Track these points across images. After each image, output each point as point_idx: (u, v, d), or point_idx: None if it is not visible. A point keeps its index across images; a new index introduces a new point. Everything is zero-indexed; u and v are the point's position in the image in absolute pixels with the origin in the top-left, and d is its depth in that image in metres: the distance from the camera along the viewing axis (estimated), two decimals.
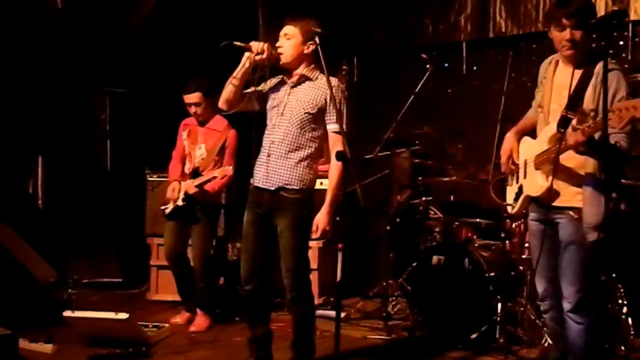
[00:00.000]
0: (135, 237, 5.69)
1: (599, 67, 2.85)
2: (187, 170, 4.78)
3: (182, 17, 5.96)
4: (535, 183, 3.10)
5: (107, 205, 6.11)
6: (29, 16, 5.54)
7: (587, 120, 2.87)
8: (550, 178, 3.00)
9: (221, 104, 3.54)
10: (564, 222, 3.01)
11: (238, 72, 3.44)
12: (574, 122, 2.90)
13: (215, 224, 4.85)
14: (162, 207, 4.79)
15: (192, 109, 4.72)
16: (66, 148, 5.96)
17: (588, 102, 2.89)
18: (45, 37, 5.70)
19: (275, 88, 3.56)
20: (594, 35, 2.97)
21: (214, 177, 4.54)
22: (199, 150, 4.77)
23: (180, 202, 4.65)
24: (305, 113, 3.43)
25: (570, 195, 2.98)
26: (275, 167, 3.45)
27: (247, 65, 3.41)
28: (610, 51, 4.92)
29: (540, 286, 3.23)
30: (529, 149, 3.21)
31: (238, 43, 3.37)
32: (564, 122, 2.94)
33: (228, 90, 3.48)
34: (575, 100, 2.92)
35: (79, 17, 5.60)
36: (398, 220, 5.22)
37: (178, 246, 4.74)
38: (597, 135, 2.83)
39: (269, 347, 3.66)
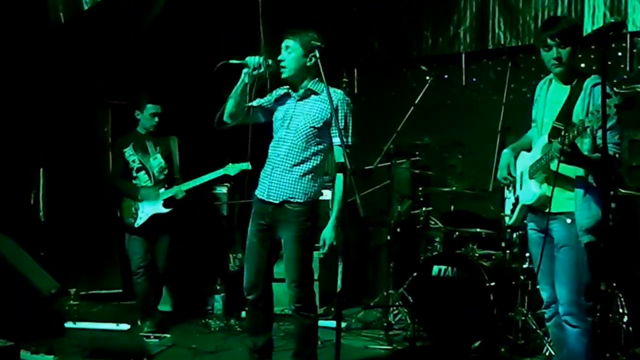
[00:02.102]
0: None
1: (587, 82, 3.07)
2: (147, 183, 4.83)
3: (183, 30, 6.00)
4: (530, 192, 3.21)
5: (109, 216, 6.11)
6: (30, 30, 5.58)
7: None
8: (543, 185, 3.15)
9: (225, 117, 3.55)
10: (557, 226, 3.11)
11: (238, 87, 3.47)
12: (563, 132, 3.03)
13: (177, 227, 4.98)
14: (132, 220, 4.80)
15: (156, 119, 4.87)
16: (68, 160, 5.98)
17: (577, 113, 3.03)
18: (47, 50, 5.74)
19: (282, 100, 3.59)
20: (579, 54, 3.14)
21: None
22: (154, 160, 4.86)
23: (163, 210, 4.74)
24: (310, 127, 3.46)
25: (563, 201, 3.08)
26: (280, 180, 3.47)
27: (246, 80, 3.44)
28: (609, 63, 4.97)
29: (544, 292, 3.28)
30: (525, 161, 3.33)
31: (234, 61, 3.41)
32: (554, 133, 3.11)
33: (230, 104, 3.51)
34: (565, 112, 3.09)
35: (81, 31, 5.64)
36: (398, 230, 5.24)
37: (148, 254, 4.86)
38: (587, 147, 2.97)
39: (270, 357, 3.66)
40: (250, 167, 4.49)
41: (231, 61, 3.40)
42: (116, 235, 6.02)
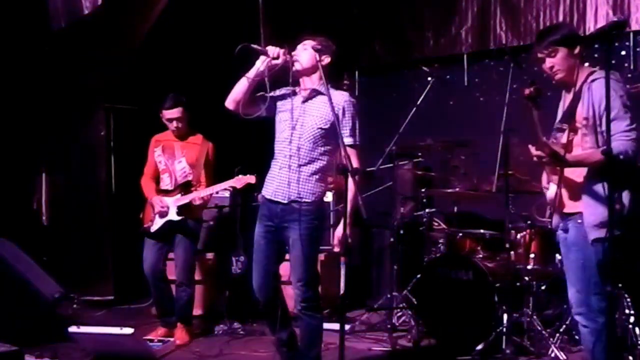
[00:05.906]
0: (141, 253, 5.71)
1: (588, 78, 3.01)
2: (168, 186, 4.77)
3: (183, 33, 6.00)
4: (549, 193, 3.21)
5: (110, 220, 6.12)
6: (31, 34, 5.60)
7: (577, 129, 3.01)
8: (552, 186, 3.16)
9: (228, 102, 3.53)
10: (570, 226, 3.11)
11: (252, 72, 3.46)
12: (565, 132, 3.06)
13: (197, 239, 4.87)
14: (147, 225, 4.75)
15: (174, 124, 4.74)
16: (70, 164, 5.99)
17: (581, 112, 3.00)
18: (48, 54, 5.75)
19: (287, 100, 3.57)
20: (575, 51, 3.04)
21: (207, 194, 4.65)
22: (179, 164, 4.79)
23: (175, 217, 4.66)
24: (318, 129, 3.46)
25: (575, 202, 3.07)
26: (288, 181, 3.47)
27: (262, 68, 3.44)
28: (613, 62, 4.94)
29: (569, 293, 3.24)
30: None
31: (255, 46, 3.40)
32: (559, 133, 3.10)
33: (239, 89, 3.49)
34: (569, 112, 3.07)
35: (82, 35, 5.65)
36: (402, 232, 5.23)
37: (160, 262, 4.77)
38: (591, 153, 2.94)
39: (297, 347, 3.61)
40: (254, 181, 4.45)
41: (252, 45, 3.39)
42: (114, 241, 6.05)
